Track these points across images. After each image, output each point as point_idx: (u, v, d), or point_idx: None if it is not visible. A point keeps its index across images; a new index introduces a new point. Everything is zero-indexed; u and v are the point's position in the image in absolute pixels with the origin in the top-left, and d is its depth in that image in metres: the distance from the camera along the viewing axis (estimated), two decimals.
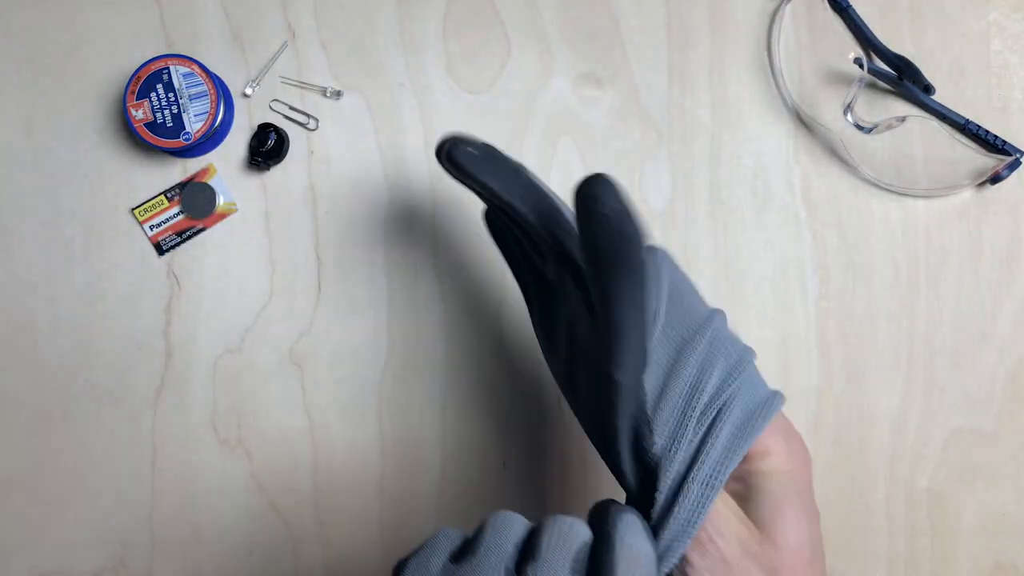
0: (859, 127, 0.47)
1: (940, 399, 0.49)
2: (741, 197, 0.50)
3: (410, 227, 0.49)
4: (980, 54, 0.50)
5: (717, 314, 0.35)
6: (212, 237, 0.49)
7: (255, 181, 0.49)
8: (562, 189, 0.49)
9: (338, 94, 0.49)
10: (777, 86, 0.50)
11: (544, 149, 0.50)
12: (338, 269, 0.49)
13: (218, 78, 0.48)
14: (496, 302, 0.49)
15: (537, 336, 0.40)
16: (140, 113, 0.46)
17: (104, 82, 0.49)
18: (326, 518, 0.48)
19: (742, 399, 0.34)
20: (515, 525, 0.31)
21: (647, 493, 0.33)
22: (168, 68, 0.46)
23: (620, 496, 0.49)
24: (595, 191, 0.32)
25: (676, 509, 0.31)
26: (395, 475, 0.49)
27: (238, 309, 0.49)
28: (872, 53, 0.50)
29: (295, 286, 0.49)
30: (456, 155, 0.36)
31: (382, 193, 0.49)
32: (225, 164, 0.49)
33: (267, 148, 0.48)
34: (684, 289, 0.36)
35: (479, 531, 0.31)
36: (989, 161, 0.49)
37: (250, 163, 0.48)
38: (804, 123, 0.50)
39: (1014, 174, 0.49)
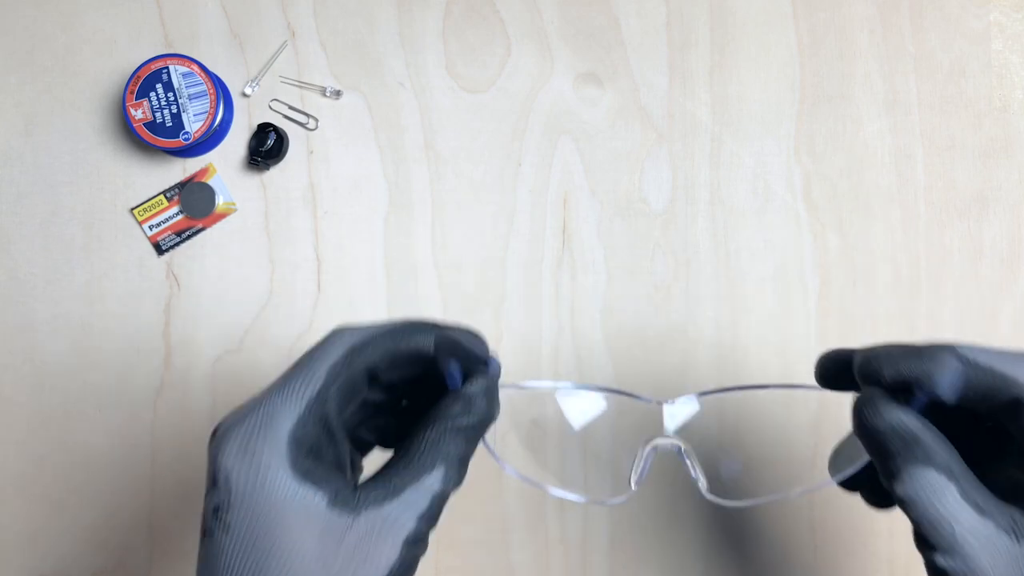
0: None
1: None
2: (741, 197, 0.50)
3: (410, 227, 0.49)
4: (980, 54, 0.50)
5: None
6: (211, 237, 0.49)
7: (255, 181, 0.49)
8: (561, 188, 0.49)
9: (338, 94, 0.49)
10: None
11: (544, 149, 0.49)
12: (338, 269, 0.49)
13: (217, 78, 0.48)
14: (496, 302, 0.49)
15: None
16: (139, 113, 0.46)
17: (103, 82, 0.49)
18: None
19: None
20: None
21: None
22: (167, 68, 0.46)
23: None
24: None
25: None
26: None
27: (238, 309, 0.49)
28: None
29: (295, 286, 0.49)
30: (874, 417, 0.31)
31: (382, 193, 0.49)
32: (224, 164, 0.49)
33: (267, 148, 0.48)
34: None
35: None
36: None
37: (250, 163, 0.48)
38: None
39: (1016, 174, 0.50)
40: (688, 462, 0.38)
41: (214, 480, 0.29)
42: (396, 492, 0.29)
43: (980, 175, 0.50)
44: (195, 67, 0.46)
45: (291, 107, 0.49)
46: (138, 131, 0.46)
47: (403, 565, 0.29)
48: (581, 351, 0.49)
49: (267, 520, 0.28)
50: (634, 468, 0.38)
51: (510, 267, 0.49)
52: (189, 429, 0.48)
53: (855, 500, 0.49)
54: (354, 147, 0.49)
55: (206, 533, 0.29)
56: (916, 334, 0.50)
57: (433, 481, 0.30)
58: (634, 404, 0.39)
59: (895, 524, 0.49)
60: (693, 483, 0.38)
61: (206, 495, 0.29)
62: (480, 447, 0.33)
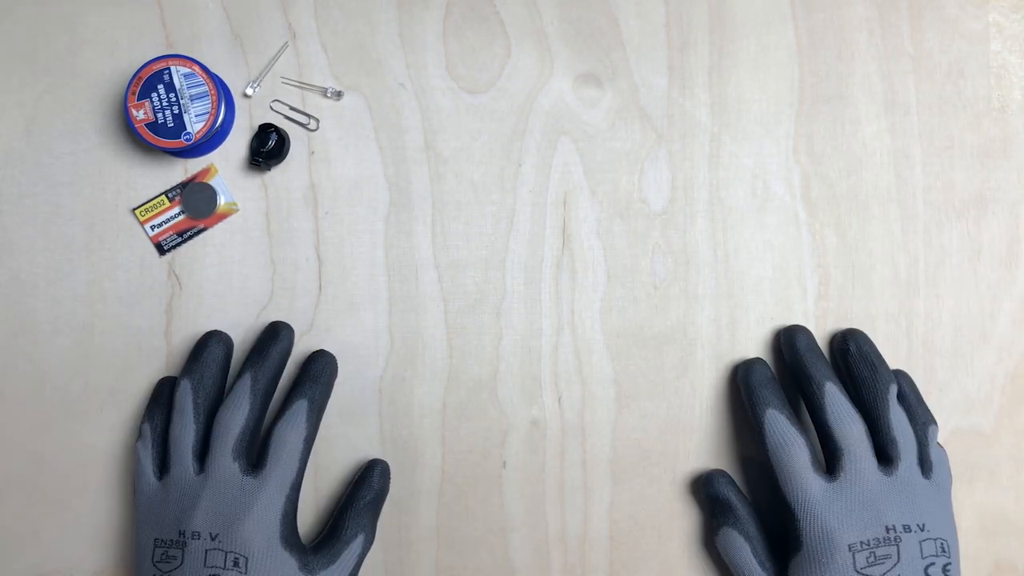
0: None
1: (939, 399, 0.50)
2: (741, 197, 0.50)
3: (410, 227, 0.49)
4: (980, 55, 0.51)
5: None
6: (213, 237, 0.49)
7: (256, 181, 0.49)
8: (560, 188, 0.50)
9: (339, 94, 0.49)
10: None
11: (544, 149, 0.50)
12: (338, 269, 0.49)
13: (219, 78, 0.48)
14: (496, 302, 0.49)
15: None
16: (141, 113, 0.46)
17: (104, 82, 0.49)
18: (326, 518, 0.48)
19: None
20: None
21: None
22: (169, 68, 0.46)
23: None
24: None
25: None
26: (395, 475, 0.49)
27: (239, 309, 0.49)
28: None
29: (295, 286, 0.49)
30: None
31: (382, 193, 0.49)
32: (226, 164, 0.49)
33: (268, 148, 0.48)
34: None
35: None
36: None
37: (251, 163, 0.48)
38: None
39: (1014, 175, 0.50)
40: None
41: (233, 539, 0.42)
42: (335, 558, 0.44)
43: (979, 175, 0.50)
44: (196, 68, 0.46)
45: (292, 108, 0.49)
46: (140, 132, 0.46)
47: None
48: (581, 351, 0.49)
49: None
50: None
51: (510, 267, 0.49)
52: None
53: None
54: (355, 148, 0.49)
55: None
56: (915, 334, 0.50)
57: (356, 546, 0.44)
58: None
59: None
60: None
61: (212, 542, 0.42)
62: None
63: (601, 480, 0.49)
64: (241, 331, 0.49)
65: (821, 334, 0.49)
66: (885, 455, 0.44)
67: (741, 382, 0.47)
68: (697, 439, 0.49)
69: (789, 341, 0.47)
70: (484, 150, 0.50)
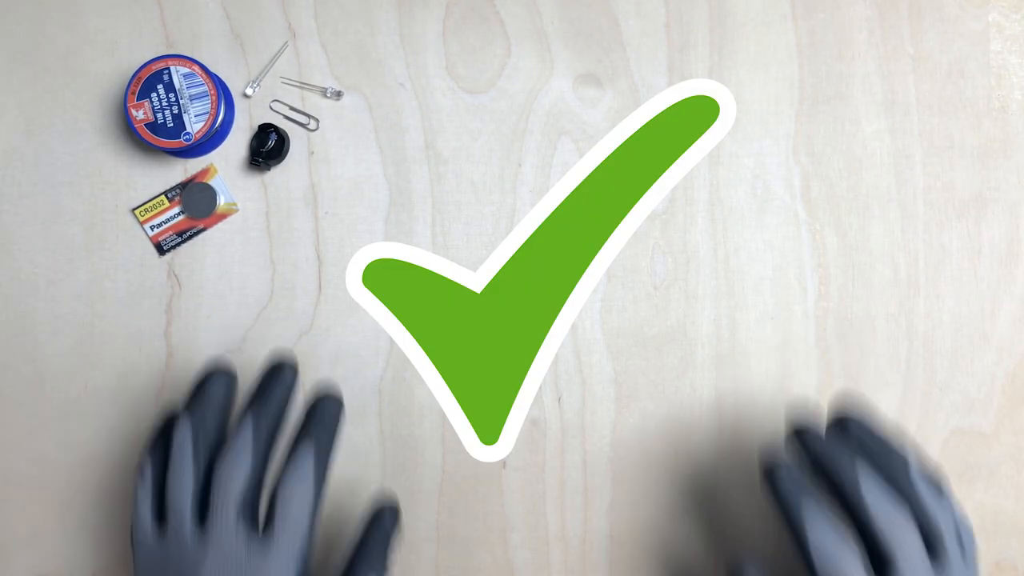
0: None
1: (939, 399, 0.50)
2: (741, 197, 0.50)
3: (410, 227, 0.49)
4: (979, 55, 0.51)
5: None
6: (213, 237, 0.49)
7: (255, 181, 0.49)
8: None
9: (338, 94, 0.49)
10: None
11: (544, 149, 0.50)
12: (338, 269, 0.49)
13: (219, 78, 0.48)
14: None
15: None
16: (141, 113, 0.46)
17: (104, 82, 0.49)
18: (326, 517, 0.48)
19: None
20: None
21: None
22: (169, 68, 0.46)
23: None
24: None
25: None
26: (395, 475, 0.49)
27: (239, 309, 0.49)
28: None
29: (295, 286, 0.49)
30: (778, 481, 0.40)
31: (382, 193, 0.49)
32: (226, 164, 0.49)
33: (268, 148, 0.48)
34: None
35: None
36: None
37: (251, 163, 0.48)
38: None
39: (1014, 175, 0.50)
40: None
41: None
42: None
43: (979, 176, 0.50)
44: (196, 68, 0.46)
45: (292, 108, 0.49)
46: (139, 132, 0.46)
47: None
48: (581, 351, 0.49)
49: None
50: None
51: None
52: None
53: None
54: (355, 148, 0.49)
55: None
56: (915, 334, 0.50)
57: None
58: None
59: None
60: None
61: None
62: None
63: (601, 480, 0.49)
64: (241, 331, 0.49)
65: (821, 334, 0.49)
66: (930, 547, 0.39)
67: (769, 492, 0.41)
68: (697, 439, 0.49)
69: (808, 450, 0.41)
70: (484, 150, 0.50)
